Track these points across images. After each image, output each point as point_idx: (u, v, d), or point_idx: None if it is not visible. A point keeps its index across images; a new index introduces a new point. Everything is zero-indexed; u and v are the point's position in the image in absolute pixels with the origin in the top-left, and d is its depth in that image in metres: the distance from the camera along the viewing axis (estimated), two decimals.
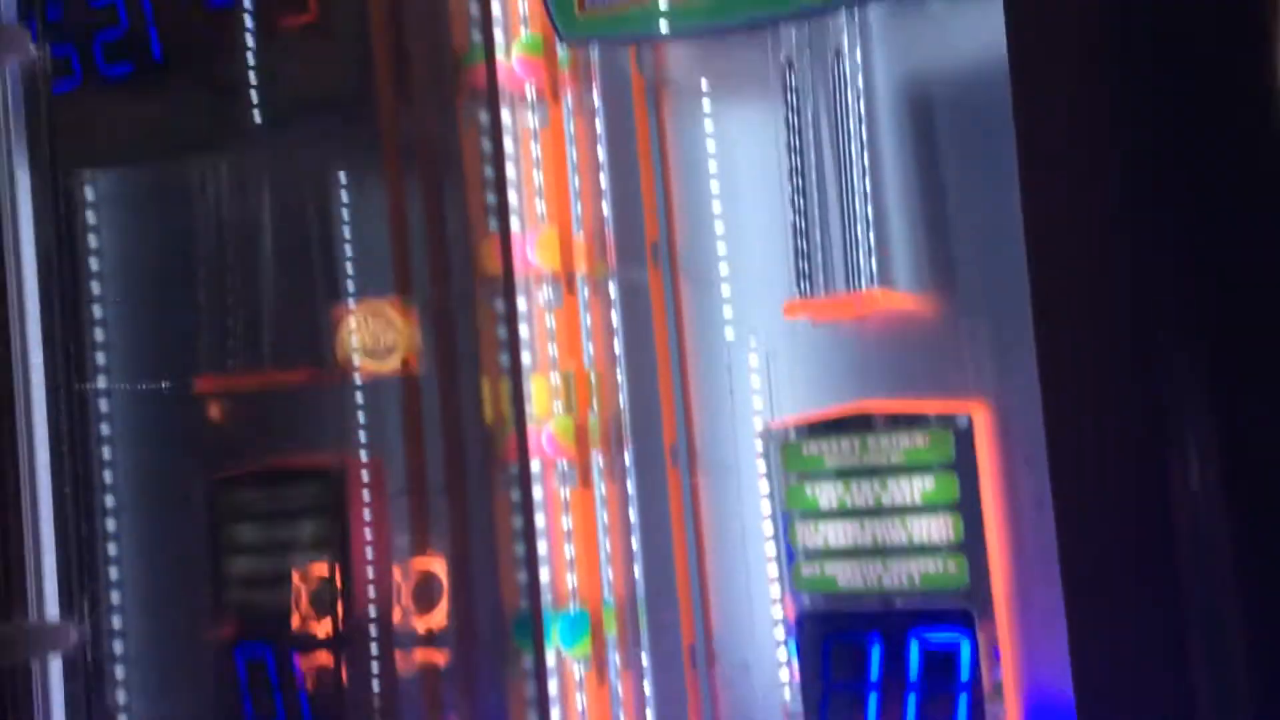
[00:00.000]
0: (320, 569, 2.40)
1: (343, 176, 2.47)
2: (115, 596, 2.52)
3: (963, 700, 1.78)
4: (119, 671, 2.49)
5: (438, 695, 2.30)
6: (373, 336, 2.39)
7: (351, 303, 2.43)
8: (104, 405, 2.59)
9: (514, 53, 2.20)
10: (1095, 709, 1.46)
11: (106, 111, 2.61)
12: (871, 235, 1.85)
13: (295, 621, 2.39)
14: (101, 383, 2.59)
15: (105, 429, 2.59)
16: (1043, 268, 1.50)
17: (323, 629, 2.38)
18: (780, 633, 1.96)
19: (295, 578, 2.40)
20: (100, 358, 2.61)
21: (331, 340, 2.42)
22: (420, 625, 2.34)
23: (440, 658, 2.33)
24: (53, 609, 1.34)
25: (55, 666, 1.28)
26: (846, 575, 1.88)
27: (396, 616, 2.36)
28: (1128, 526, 1.49)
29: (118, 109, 2.63)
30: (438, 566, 2.33)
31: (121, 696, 2.48)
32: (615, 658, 2.14)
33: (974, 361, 1.80)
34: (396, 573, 2.36)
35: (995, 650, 1.77)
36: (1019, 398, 1.78)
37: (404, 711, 2.35)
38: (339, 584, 2.37)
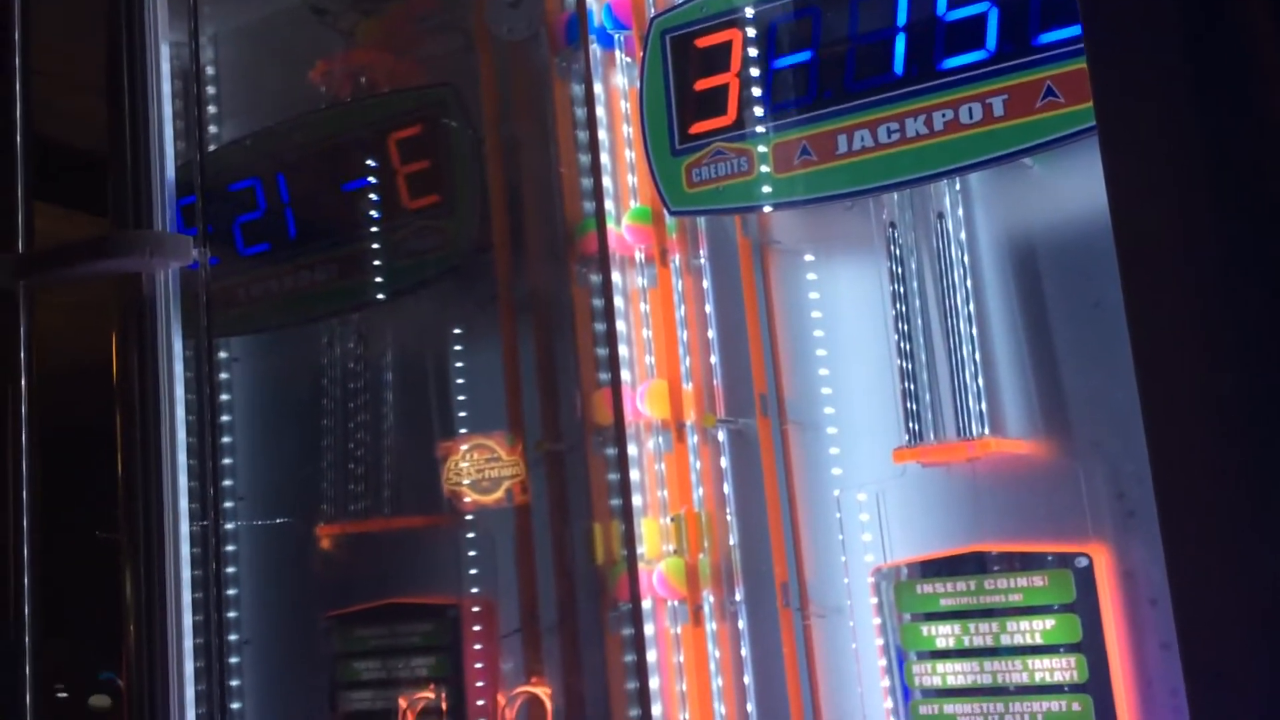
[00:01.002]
0: (431, 704, 2.24)
1: (460, 334, 2.39)
2: None
3: None
4: None
5: None
6: (478, 469, 2.27)
7: (460, 434, 2.33)
8: (233, 545, 2.47)
9: (624, 221, 2.14)
10: None
11: (244, 283, 2.57)
12: (980, 381, 1.74)
13: None
14: (230, 525, 2.48)
15: (233, 568, 2.47)
16: (1158, 419, 1.37)
17: None
18: None
19: (403, 705, 2.24)
20: (231, 503, 2.51)
21: (440, 475, 2.31)
22: None
23: None
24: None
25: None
26: (966, 715, 1.71)
27: None
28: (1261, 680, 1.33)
29: (255, 283, 2.58)
30: (543, 693, 2.17)
31: None
32: None
33: (1090, 504, 1.66)
34: (501, 698, 2.20)
35: None
36: (1139, 539, 1.65)
37: None
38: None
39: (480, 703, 2.20)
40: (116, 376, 1.86)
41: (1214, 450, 1.33)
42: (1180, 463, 1.36)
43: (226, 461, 2.56)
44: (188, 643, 1.51)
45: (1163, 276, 1.14)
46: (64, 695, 1.41)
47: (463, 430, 2.33)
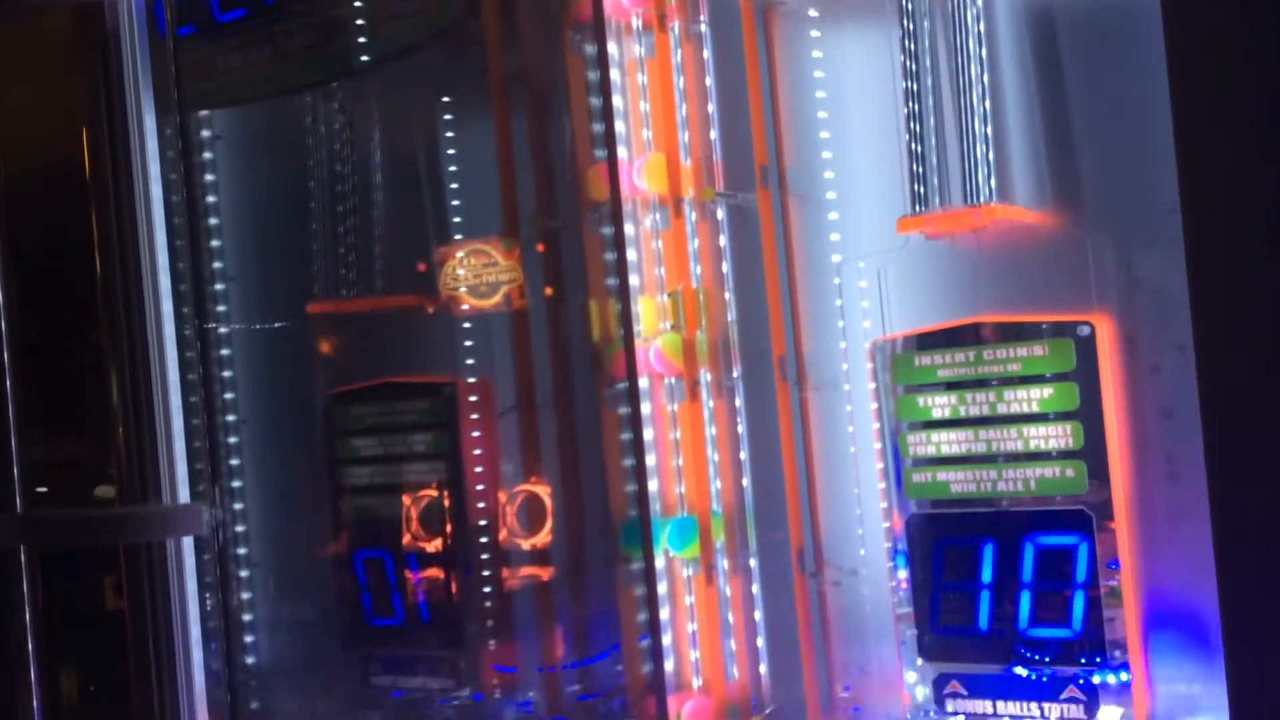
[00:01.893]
0: (431, 482, 2.27)
1: (449, 109, 2.31)
2: (238, 504, 2.40)
3: (1079, 599, 1.64)
4: (243, 572, 2.38)
5: (549, 599, 2.19)
6: (475, 274, 2.24)
7: (456, 239, 2.29)
8: (225, 328, 2.46)
9: None
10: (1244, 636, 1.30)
11: (221, 55, 2.47)
12: (991, 155, 1.69)
13: (406, 537, 2.27)
14: (221, 306, 2.46)
15: (227, 350, 2.47)
16: (1196, 192, 1.32)
17: (434, 539, 2.26)
18: (890, 539, 1.81)
19: (406, 499, 2.28)
20: (221, 285, 2.48)
21: (436, 278, 2.28)
22: (526, 544, 2.22)
23: (546, 573, 2.21)
24: (184, 497, 1.25)
25: (188, 546, 1.19)
26: (959, 482, 1.74)
27: (502, 535, 2.23)
28: None
29: (231, 52, 2.48)
30: (542, 490, 2.20)
31: (246, 594, 2.37)
32: (723, 563, 2.02)
33: (1096, 272, 1.64)
34: (502, 496, 2.23)
35: (1113, 555, 1.63)
36: (1143, 306, 1.64)
37: (517, 615, 2.23)
38: (450, 495, 2.25)
39: (481, 505, 2.23)
40: (88, 157, 1.80)
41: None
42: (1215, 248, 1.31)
43: (215, 244, 2.52)
44: (178, 424, 1.51)
45: None
46: (43, 491, 1.43)
47: (454, 209, 2.29)
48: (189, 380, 1.93)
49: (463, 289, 2.24)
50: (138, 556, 1.11)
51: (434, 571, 2.26)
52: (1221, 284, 1.26)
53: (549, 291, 2.19)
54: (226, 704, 1.35)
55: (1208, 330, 1.25)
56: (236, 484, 2.44)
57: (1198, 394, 1.26)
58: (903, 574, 1.79)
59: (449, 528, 2.24)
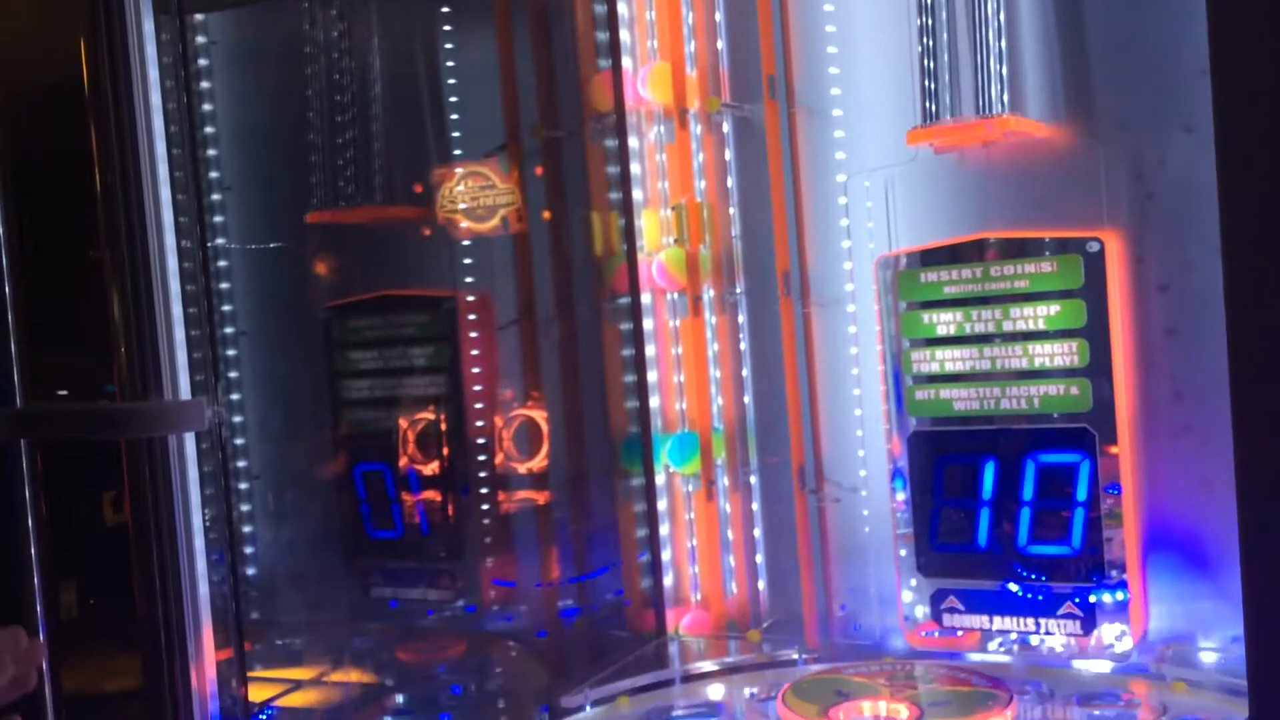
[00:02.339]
0: (429, 400, 2.27)
1: (449, 18, 2.27)
2: (238, 418, 2.40)
3: (1078, 517, 1.65)
4: (243, 484, 2.39)
5: (548, 519, 2.20)
6: (472, 197, 2.21)
7: (455, 155, 2.26)
8: (222, 239, 2.44)
9: None
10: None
11: None
12: (1004, 68, 1.66)
13: (403, 459, 2.26)
14: (219, 217, 2.44)
15: (224, 262, 2.45)
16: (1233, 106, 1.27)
17: (431, 461, 2.26)
18: (890, 458, 1.82)
19: (403, 422, 2.27)
20: (218, 195, 2.45)
21: (434, 199, 2.25)
22: (522, 468, 2.22)
23: (543, 495, 2.22)
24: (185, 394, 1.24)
25: (190, 443, 1.19)
26: (962, 399, 1.73)
27: (499, 459, 2.23)
28: None
29: None
30: (538, 415, 2.20)
31: (245, 507, 2.38)
32: (724, 479, 2.02)
33: (1108, 187, 1.62)
34: (499, 420, 2.23)
35: (1114, 478, 1.63)
36: (1155, 223, 1.62)
37: (515, 533, 2.24)
38: (447, 415, 2.25)
39: (480, 424, 2.23)
40: (85, 64, 1.76)
41: None
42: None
43: (211, 153, 2.48)
44: (179, 334, 1.49)
45: None
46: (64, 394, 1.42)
47: (457, 152, 2.26)
48: (188, 291, 1.91)
49: (460, 212, 2.21)
50: (139, 455, 1.11)
51: (431, 493, 2.26)
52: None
53: (549, 208, 2.16)
54: (231, 612, 1.35)
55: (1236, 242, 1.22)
56: (235, 396, 2.44)
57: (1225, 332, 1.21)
58: (901, 496, 1.79)
59: (446, 449, 2.24)
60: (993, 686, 1.32)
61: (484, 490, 2.23)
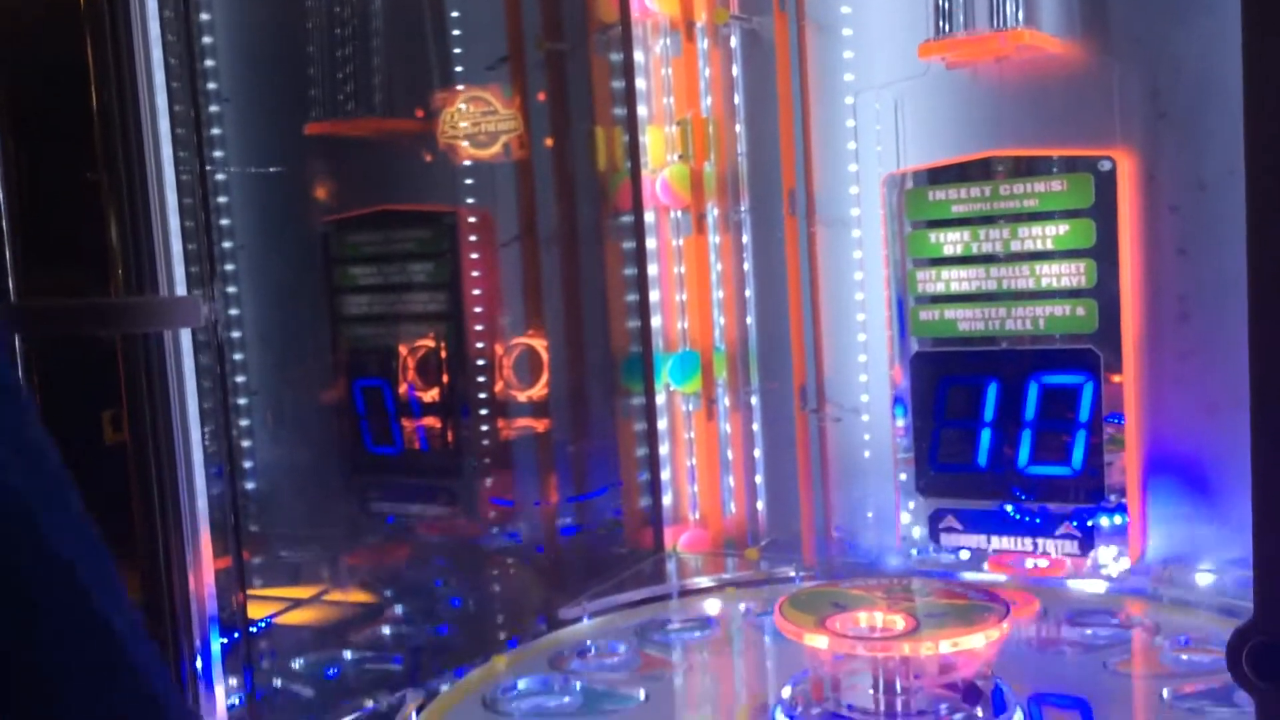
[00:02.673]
0: (430, 314, 2.25)
1: None
2: (236, 332, 2.39)
3: (1080, 438, 1.65)
4: (242, 400, 2.39)
5: (548, 440, 2.20)
6: (474, 123, 2.17)
7: (457, 82, 2.22)
8: (220, 151, 2.41)
9: None
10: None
11: None
12: None
13: (403, 386, 2.26)
14: (216, 129, 2.41)
15: (222, 175, 2.42)
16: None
17: (431, 387, 2.25)
18: (893, 383, 1.81)
19: (403, 349, 2.26)
20: (215, 108, 2.41)
21: (435, 119, 2.22)
22: (522, 396, 2.21)
23: (542, 421, 2.21)
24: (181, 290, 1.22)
25: (186, 340, 1.17)
26: (967, 320, 1.73)
27: (499, 387, 2.23)
28: None
29: None
30: (539, 344, 2.19)
31: (245, 422, 2.38)
32: (725, 399, 2.02)
33: (1121, 104, 1.60)
34: (499, 348, 2.22)
35: (1118, 406, 1.62)
36: (1168, 142, 1.60)
37: (514, 454, 2.24)
38: (448, 333, 2.24)
39: (480, 345, 2.22)
40: None
41: None
42: None
43: (209, 64, 2.44)
44: (176, 245, 1.47)
45: None
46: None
47: (459, 68, 2.22)
48: (185, 204, 1.89)
49: (462, 138, 2.18)
50: (136, 356, 1.10)
51: (431, 418, 2.26)
52: None
53: (552, 123, 2.13)
54: (230, 523, 1.35)
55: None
56: (234, 311, 2.43)
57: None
58: (901, 423, 1.79)
59: (446, 375, 2.23)
60: (989, 600, 1.33)
61: (483, 412, 2.23)
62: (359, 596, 2.09)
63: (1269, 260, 0.78)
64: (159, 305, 1.10)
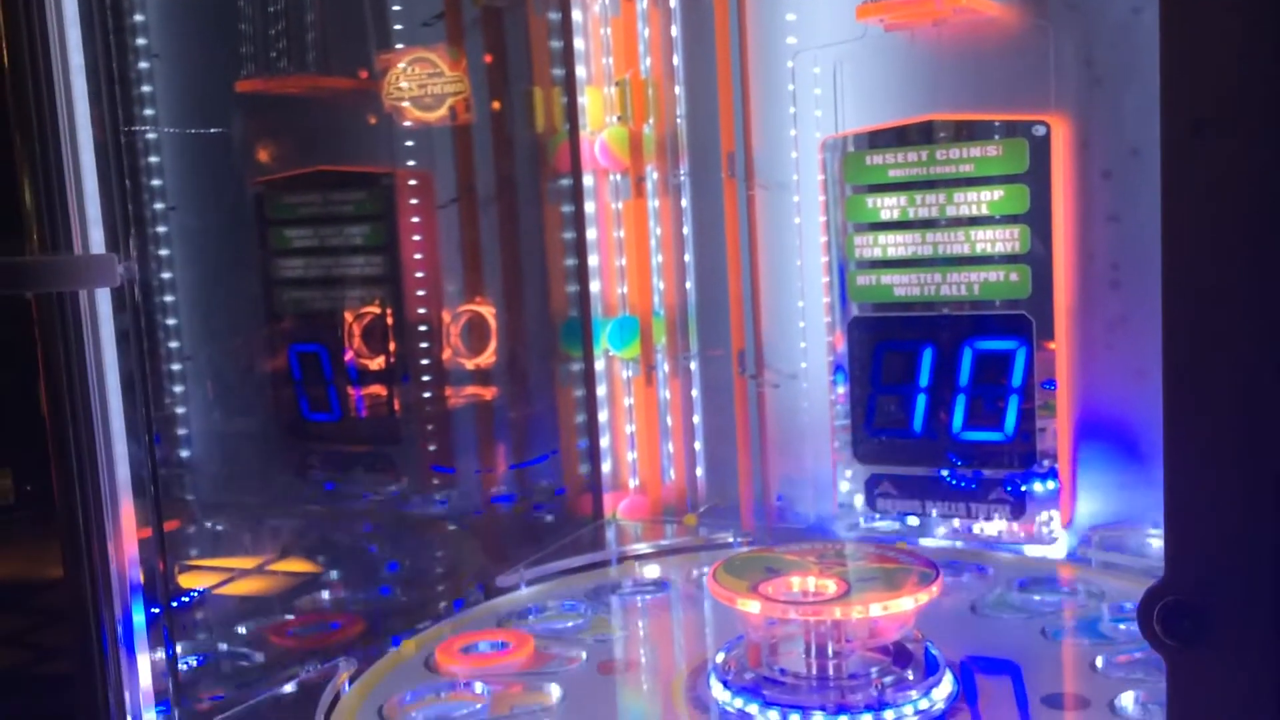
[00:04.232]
0: (370, 278, 2.22)
1: None
2: (169, 296, 2.35)
3: (1013, 403, 1.66)
4: (175, 365, 2.35)
5: (489, 406, 2.19)
6: (420, 85, 2.14)
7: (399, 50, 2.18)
8: (150, 109, 2.35)
9: None
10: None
11: None
12: None
13: (349, 354, 2.23)
14: (146, 86, 2.35)
15: (152, 134, 2.36)
16: None
17: (377, 355, 2.22)
18: (832, 349, 1.81)
19: (348, 316, 2.23)
20: (145, 64, 2.35)
21: (372, 83, 2.17)
22: (470, 364, 2.20)
23: (488, 389, 2.20)
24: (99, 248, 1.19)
25: (105, 302, 1.15)
26: (903, 285, 1.73)
27: (446, 355, 2.21)
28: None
29: None
30: (486, 310, 2.17)
31: (178, 388, 2.34)
32: (664, 365, 2.02)
33: (1057, 70, 1.60)
34: (446, 315, 2.20)
35: (1050, 373, 1.64)
36: (1102, 108, 1.60)
37: (455, 420, 2.23)
38: (388, 297, 2.21)
39: (422, 311, 2.19)
40: None
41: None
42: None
43: (138, 19, 2.38)
44: (93, 205, 1.43)
45: None
46: None
47: (398, 26, 2.17)
48: (108, 163, 1.85)
49: (406, 99, 2.14)
50: (50, 317, 1.07)
51: (375, 385, 2.24)
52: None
53: (489, 83, 2.10)
54: (149, 491, 1.32)
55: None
56: (167, 275, 2.38)
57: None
58: (842, 389, 1.80)
59: (392, 343, 2.21)
60: (921, 564, 1.35)
61: (426, 379, 2.21)
62: (295, 565, 2.07)
63: (1179, 210, 0.79)
64: (73, 264, 1.07)
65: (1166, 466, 0.72)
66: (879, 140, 1.72)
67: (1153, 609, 0.74)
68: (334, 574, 2.00)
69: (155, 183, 2.38)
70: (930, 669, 1.28)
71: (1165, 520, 0.74)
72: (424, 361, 2.21)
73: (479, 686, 1.35)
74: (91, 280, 1.07)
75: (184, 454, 2.39)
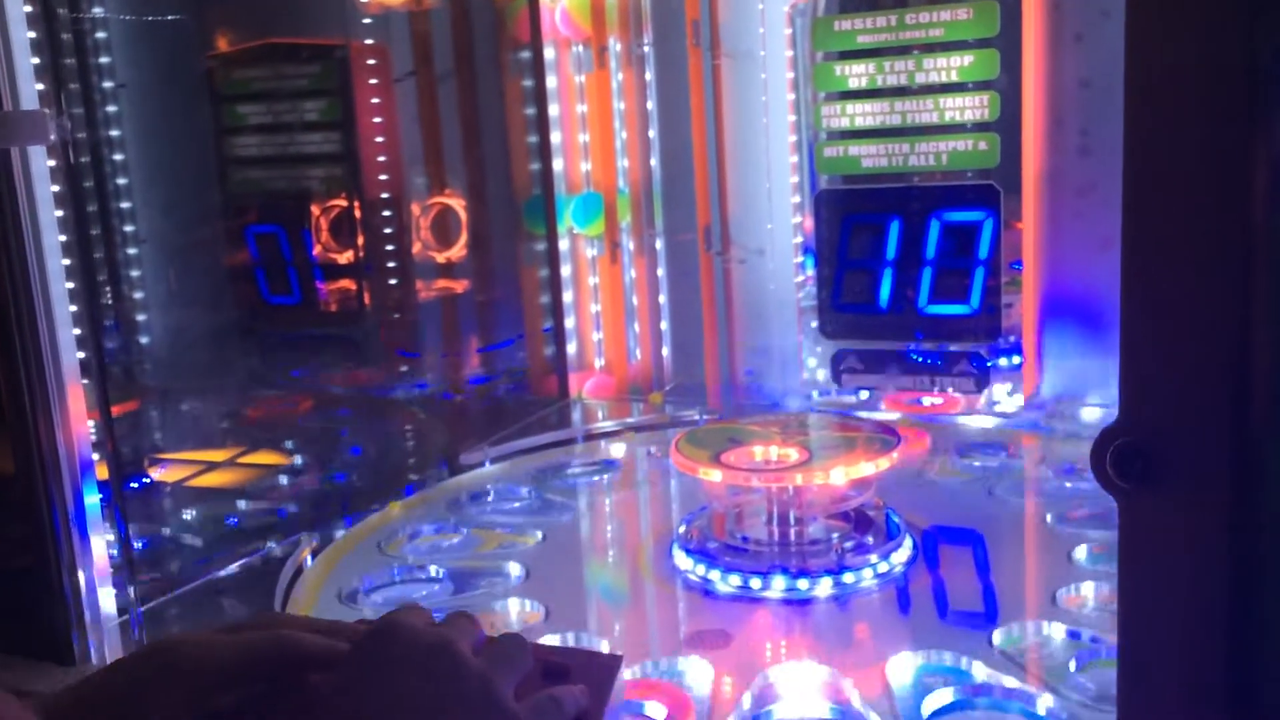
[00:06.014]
0: (327, 154, 2.17)
1: None
2: (122, 179, 2.29)
3: (979, 276, 1.66)
4: (131, 249, 2.30)
5: (453, 291, 2.16)
6: None
7: None
8: (106, 57, 2.25)
9: None
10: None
11: None
12: None
13: (317, 248, 2.18)
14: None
15: (99, 10, 2.28)
16: None
17: (343, 245, 2.17)
18: (800, 229, 1.79)
19: (315, 209, 2.17)
20: None
21: None
22: (440, 258, 2.16)
23: (459, 285, 2.17)
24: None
25: (39, 157, 1.10)
26: (871, 156, 1.70)
27: (416, 248, 2.16)
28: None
29: None
30: (457, 204, 2.12)
31: (135, 272, 2.30)
32: (629, 243, 1.99)
33: None
34: (415, 209, 2.15)
35: (1017, 249, 1.63)
36: None
37: (419, 304, 2.19)
38: (344, 170, 2.16)
39: (385, 196, 2.14)
40: None
41: None
42: None
43: None
44: (24, 59, 1.37)
45: None
46: None
47: None
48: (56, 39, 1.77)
49: None
50: None
51: (334, 268, 2.20)
52: None
53: None
54: (95, 371, 1.29)
55: None
56: (119, 157, 2.32)
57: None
58: (810, 271, 1.78)
59: (360, 237, 2.16)
60: (881, 432, 1.35)
61: (392, 265, 2.18)
62: (258, 448, 2.06)
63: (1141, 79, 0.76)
64: (2, 119, 1.03)
65: (1123, 310, 0.72)
66: (849, 4, 1.68)
67: (1105, 450, 0.74)
68: (297, 457, 2.00)
69: (104, 60, 2.31)
70: (890, 533, 1.30)
71: (1120, 363, 0.73)
72: (390, 248, 2.17)
73: (434, 569, 1.35)
74: (22, 136, 1.03)
75: (143, 340, 2.36)
